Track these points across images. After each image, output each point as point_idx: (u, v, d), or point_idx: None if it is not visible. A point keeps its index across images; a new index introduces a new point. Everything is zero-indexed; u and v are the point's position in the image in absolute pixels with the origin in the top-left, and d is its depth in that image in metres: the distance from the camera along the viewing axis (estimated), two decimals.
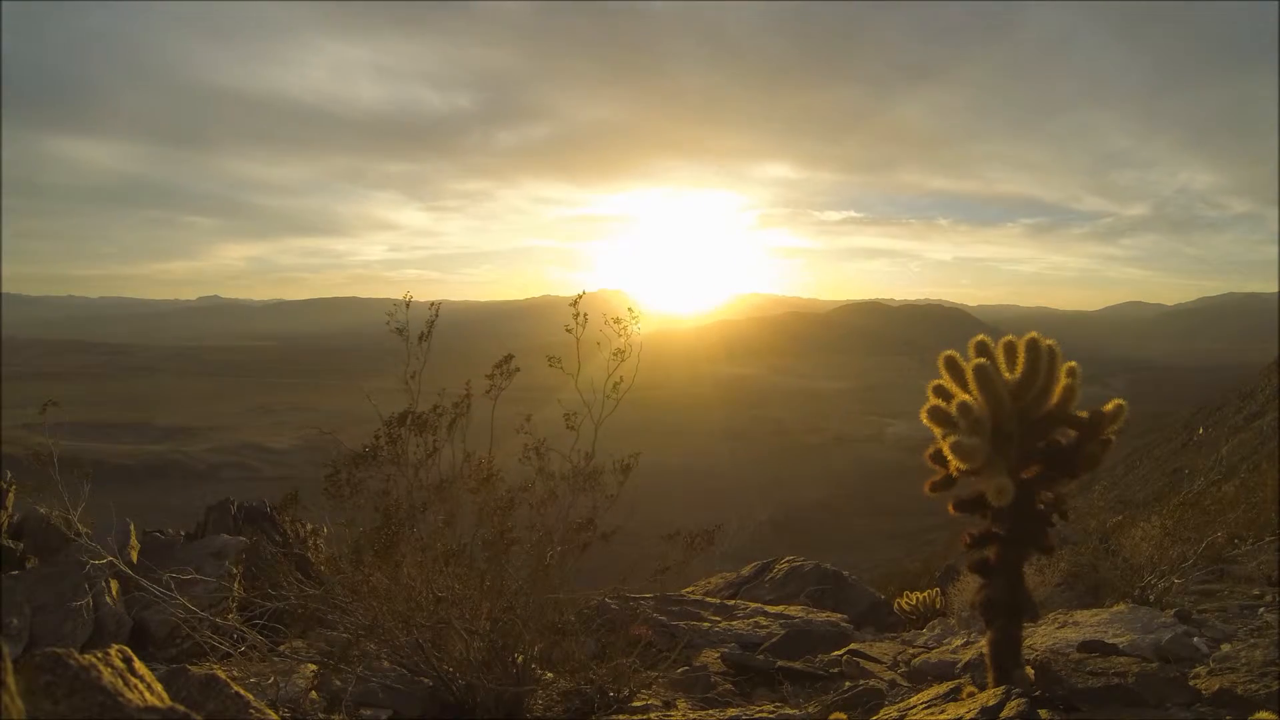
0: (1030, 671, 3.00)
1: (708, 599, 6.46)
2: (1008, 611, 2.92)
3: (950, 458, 2.75)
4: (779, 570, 7.84)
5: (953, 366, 2.89)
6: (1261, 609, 4.62)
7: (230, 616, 3.86)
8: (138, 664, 2.17)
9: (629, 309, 3.66)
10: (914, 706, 3.16)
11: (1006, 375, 2.83)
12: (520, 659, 3.44)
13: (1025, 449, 2.86)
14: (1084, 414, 2.86)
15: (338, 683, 3.48)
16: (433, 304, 3.87)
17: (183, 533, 6.46)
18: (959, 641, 4.91)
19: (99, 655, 2.07)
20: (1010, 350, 2.85)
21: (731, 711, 3.62)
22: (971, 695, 3.00)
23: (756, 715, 3.56)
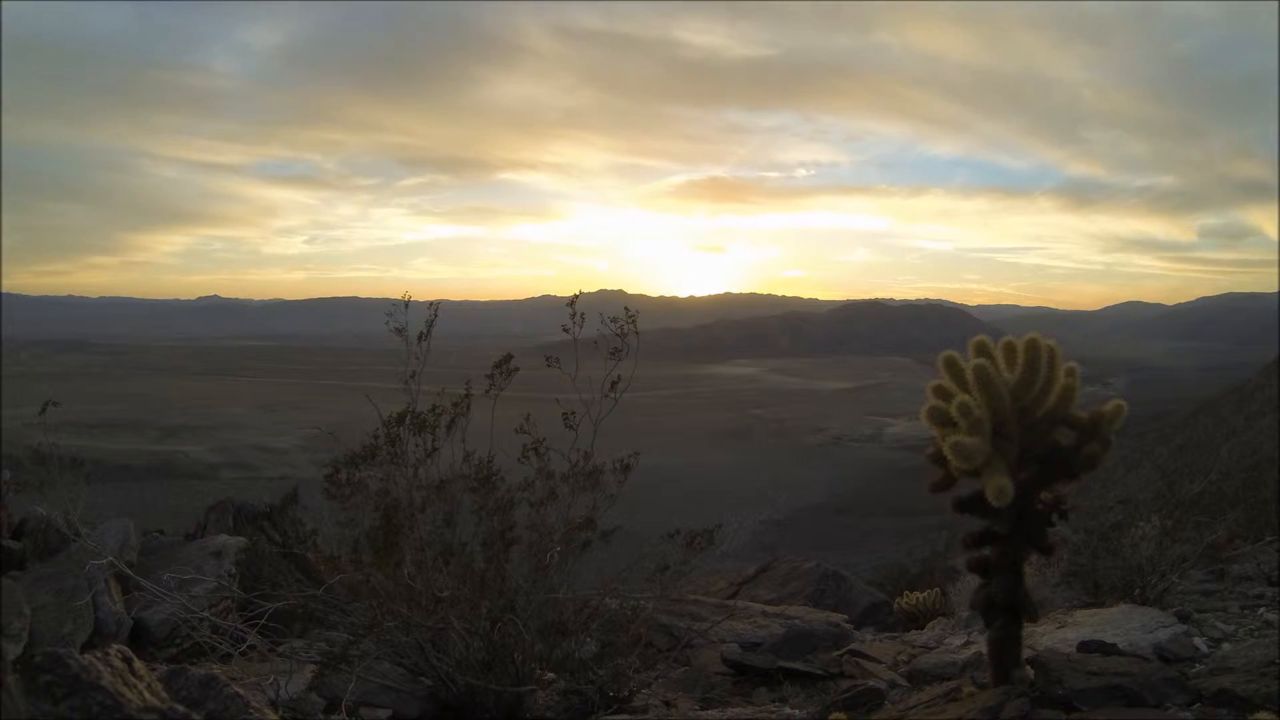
0: (1030, 671, 3.00)
1: (708, 599, 6.46)
2: (1007, 611, 2.92)
3: (950, 458, 2.75)
4: (779, 570, 7.84)
5: (953, 366, 2.89)
6: (1261, 609, 4.62)
7: (230, 616, 3.86)
8: (138, 664, 2.17)
9: (626, 309, 3.67)
10: (914, 706, 3.17)
11: (1006, 375, 2.83)
12: (520, 659, 3.44)
13: (1025, 449, 2.86)
14: (1084, 414, 2.86)
15: (338, 683, 3.48)
16: (432, 304, 3.89)
17: (183, 533, 6.47)
18: (959, 641, 4.91)
19: (99, 655, 2.07)
20: (1010, 350, 2.85)
21: (731, 711, 3.62)
22: (971, 695, 3.00)
23: (757, 715, 3.56)
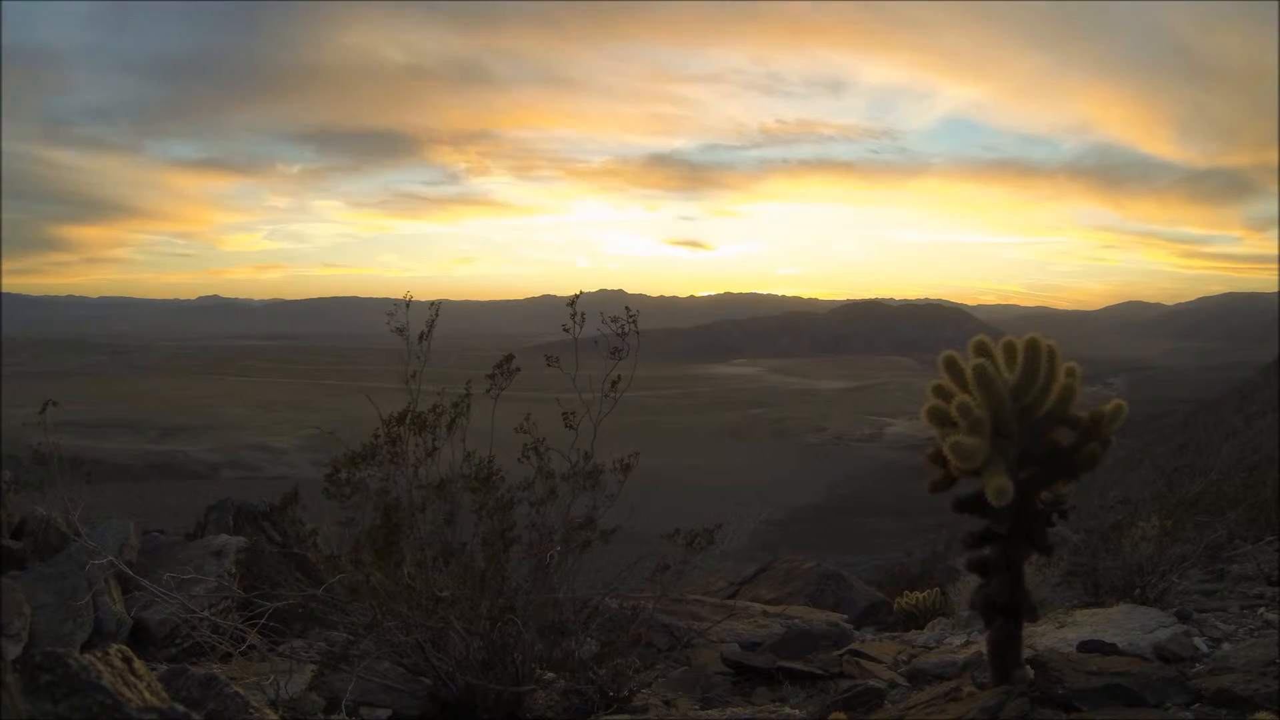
0: (1030, 671, 3.00)
1: (707, 599, 6.46)
2: (1007, 611, 2.92)
3: (950, 458, 2.75)
4: (779, 570, 7.85)
5: (952, 366, 2.89)
6: (1261, 609, 4.62)
7: (230, 616, 3.86)
8: (138, 664, 2.17)
9: (627, 308, 3.67)
10: (914, 706, 3.17)
11: (1006, 375, 2.83)
12: (520, 659, 3.45)
13: (1025, 449, 2.86)
14: (1084, 414, 2.86)
15: (338, 683, 3.48)
16: (433, 304, 3.89)
17: (183, 533, 6.47)
18: (959, 641, 4.91)
19: (99, 655, 2.07)
20: (1010, 350, 2.85)
21: (731, 711, 3.62)
22: (971, 695, 3.00)
23: (757, 715, 3.56)
